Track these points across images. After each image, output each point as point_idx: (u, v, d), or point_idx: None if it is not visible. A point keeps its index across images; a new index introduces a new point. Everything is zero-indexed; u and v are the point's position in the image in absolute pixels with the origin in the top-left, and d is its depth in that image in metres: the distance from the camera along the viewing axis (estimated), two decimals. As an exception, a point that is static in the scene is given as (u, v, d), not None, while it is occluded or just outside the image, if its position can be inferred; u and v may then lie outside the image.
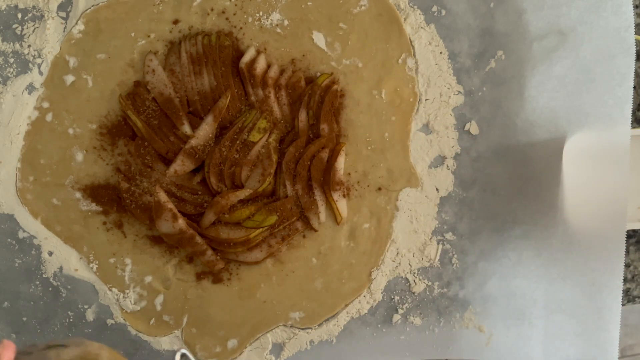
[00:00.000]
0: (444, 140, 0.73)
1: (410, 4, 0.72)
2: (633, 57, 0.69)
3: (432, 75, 0.72)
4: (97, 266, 0.73)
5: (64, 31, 0.71)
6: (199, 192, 0.72)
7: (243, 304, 0.74)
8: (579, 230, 0.72)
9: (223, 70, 0.70)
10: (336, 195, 0.72)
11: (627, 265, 0.81)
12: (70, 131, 0.72)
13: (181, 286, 0.73)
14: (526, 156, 0.72)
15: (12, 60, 0.71)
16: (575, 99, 0.71)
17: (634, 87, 0.72)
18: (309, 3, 0.72)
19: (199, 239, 0.70)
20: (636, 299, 0.81)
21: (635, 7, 0.77)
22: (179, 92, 0.71)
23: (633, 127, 0.71)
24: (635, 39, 0.69)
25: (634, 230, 0.81)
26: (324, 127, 0.71)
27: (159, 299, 0.73)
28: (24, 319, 0.72)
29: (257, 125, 0.70)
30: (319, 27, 0.72)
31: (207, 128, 0.70)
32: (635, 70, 0.76)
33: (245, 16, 0.72)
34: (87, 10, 0.71)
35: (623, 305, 0.77)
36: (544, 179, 0.72)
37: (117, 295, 0.73)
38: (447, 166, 0.73)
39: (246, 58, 0.70)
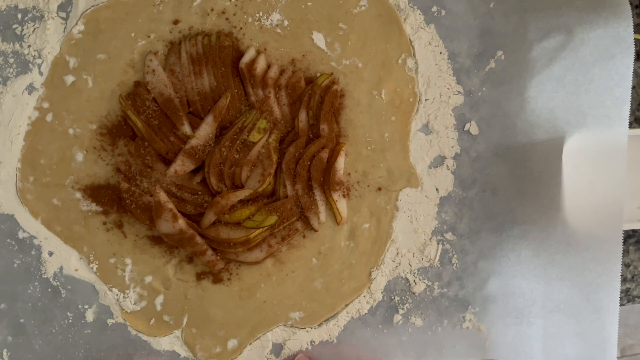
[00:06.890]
0: (444, 140, 0.73)
1: (410, 4, 0.72)
2: (632, 57, 0.69)
3: (432, 76, 0.72)
4: (97, 266, 0.73)
5: (64, 31, 0.71)
6: (199, 192, 0.72)
7: (243, 304, 0.74)
8: (577, 230, 0.72)
9: (223, 71, 0.70)
10: (336, 196, 0.72)
11: (627, 265, 0.82)
12: (71, 131, 0.72)
13: (181, 286, 0.73)
14: (525, 156, 0.72)
15: (12, 60, 0.71)
16: (574, 100, 0.71)
17: (633, 87, 0.72)
18: (309, 3, 0.72)
19: (199, 239, 0.70)
20: (636, 298, 0.81)
21: (635, 7, 0.77)
22: (179, 93, 0.71)
23: (633, 127, 0.71)
24: (634, 39, 0.69)
25: (634, 230, 0.81)
26: (324, 127, 0.71)
27: (159, 299, 0.73)
28: (22, 320, 0.72)
29: (257, 126, 0.70)
30: (319, 27, 0.72)
31: (207, 128, 0.70)
32: (635, 70, 0.76)
33: (245, 16, 0.72)
34: (87, 10, 0.71)
35: (623, 305, 0.77)
36: (543, 179, 0.72)
37: (117, 295, 0.73)
38: (447, 166, 0.73)
39: (246, 58, 0.70)
